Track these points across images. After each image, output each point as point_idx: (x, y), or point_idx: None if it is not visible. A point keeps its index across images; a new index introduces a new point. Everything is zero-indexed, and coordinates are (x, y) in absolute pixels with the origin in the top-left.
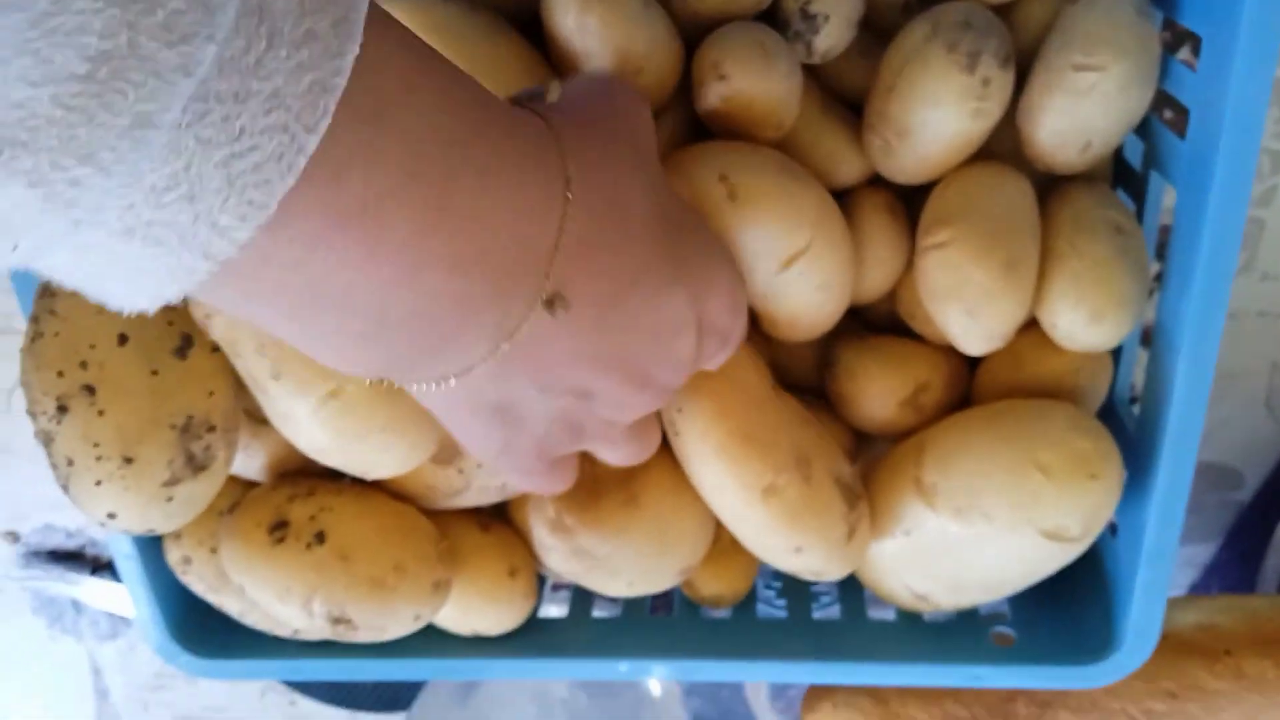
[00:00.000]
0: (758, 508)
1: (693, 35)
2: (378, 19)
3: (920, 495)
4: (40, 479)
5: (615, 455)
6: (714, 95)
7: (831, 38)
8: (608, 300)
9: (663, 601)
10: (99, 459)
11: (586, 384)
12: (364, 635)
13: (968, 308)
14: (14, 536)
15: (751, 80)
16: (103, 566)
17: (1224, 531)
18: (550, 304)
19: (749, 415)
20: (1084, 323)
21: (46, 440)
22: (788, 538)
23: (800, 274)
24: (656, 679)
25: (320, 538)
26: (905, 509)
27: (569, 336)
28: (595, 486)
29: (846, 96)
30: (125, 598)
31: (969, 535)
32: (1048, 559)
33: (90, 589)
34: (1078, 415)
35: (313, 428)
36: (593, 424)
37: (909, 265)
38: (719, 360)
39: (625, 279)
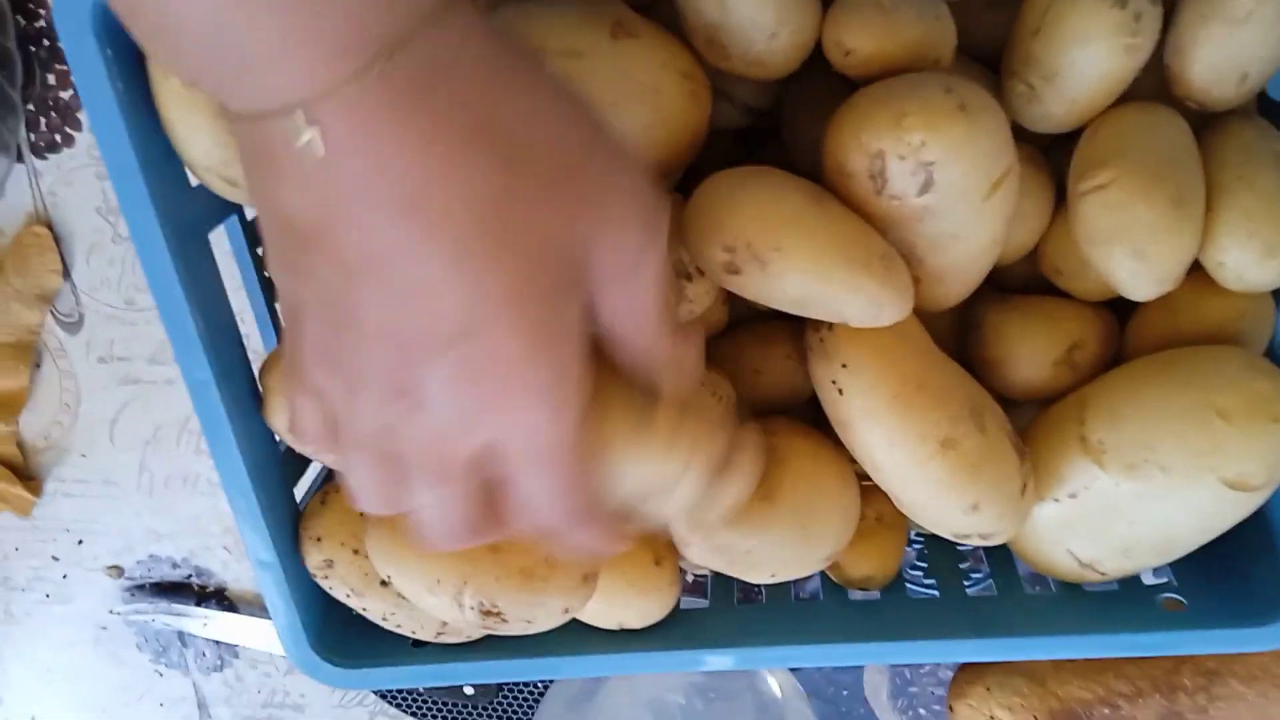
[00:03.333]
0: (935, 463)
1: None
2: None
3: (1087, 453)
4: (145, 510)
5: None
6: (851, 71)
7: None
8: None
9: (807, 586)
10: None
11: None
12: (513, 628)
13: (1136, 249)
14: (118, 570)
15: (878, 43)
16: (208, 596)
17: None
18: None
19: (920, 364)
20: (1256, 259)
21: None
22: (965, 493)
23: (1000, 201)
24: (802, 666)
25: None
26: (1070, 470)
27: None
28: None
29: (978, 53)
30: (232, 626)
31: (1143, 492)
32: (1227, 512)
33: (196, 619)
34: (1252, 358)
35: None
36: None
37: (1052, 220)
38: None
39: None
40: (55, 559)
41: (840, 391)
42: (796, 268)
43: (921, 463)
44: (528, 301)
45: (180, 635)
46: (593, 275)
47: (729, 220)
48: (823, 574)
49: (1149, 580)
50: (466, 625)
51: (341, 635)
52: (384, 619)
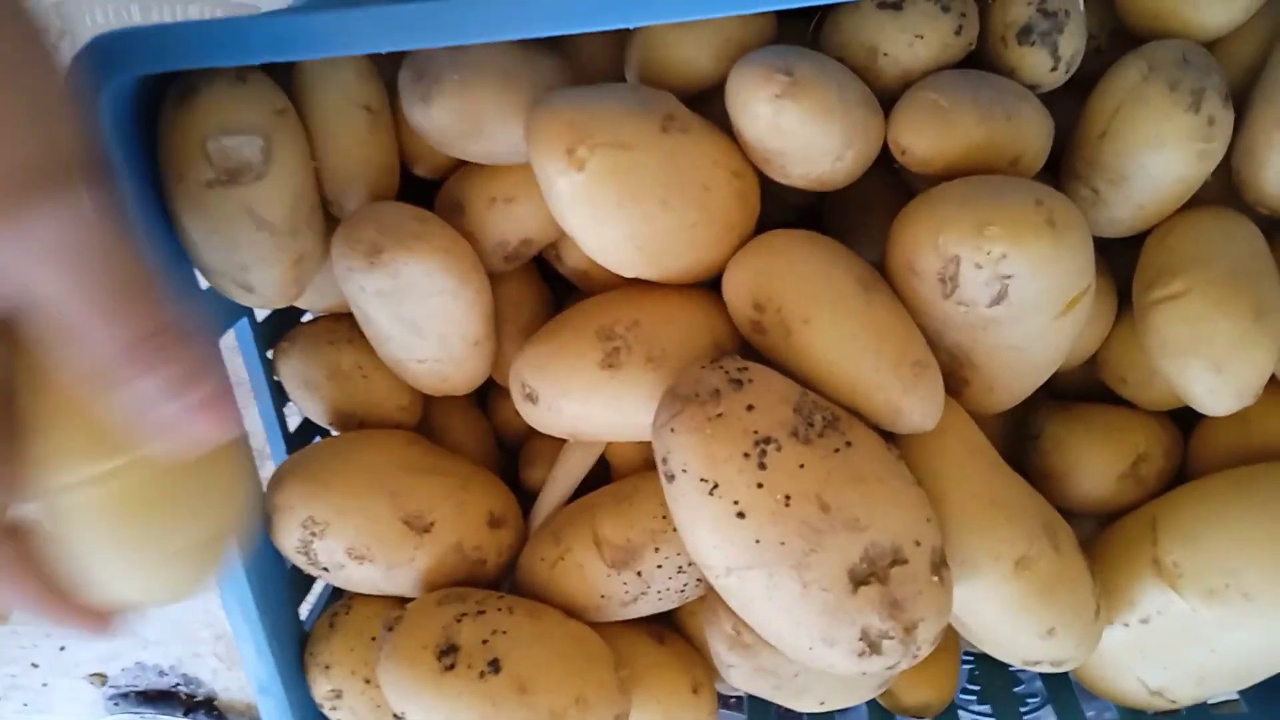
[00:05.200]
0: (1010, 584)
1: (895, 96)
2: None
3: (1160, 576)
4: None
5: None
6: (911, 168)
7: (1075, 37)
8: None
9: (850, 712)
10: None
11: None
12: None
13: (1214, 362)
14: (102, 678)
15: (934, 144)
16: (196, 705)
17: None
18: None
19: (990, 478)
20: None
21: None
22: (1041, 618)
23: (1071, 320)
24: None
25: (494, 666)
26: (1141, 593)
27: None
28: None
29: None
30: None
31: (1222, 619)
32: None
33: None
34: None
35: None
36: None
37: (1115, 325)
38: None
39: None
40: (35, 665)
41: None
42: (821, 347)
43: (996, 584)
44: None
45: None
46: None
47: (767, 278)
48: (871, 700)
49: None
50: None
51: None
52: None
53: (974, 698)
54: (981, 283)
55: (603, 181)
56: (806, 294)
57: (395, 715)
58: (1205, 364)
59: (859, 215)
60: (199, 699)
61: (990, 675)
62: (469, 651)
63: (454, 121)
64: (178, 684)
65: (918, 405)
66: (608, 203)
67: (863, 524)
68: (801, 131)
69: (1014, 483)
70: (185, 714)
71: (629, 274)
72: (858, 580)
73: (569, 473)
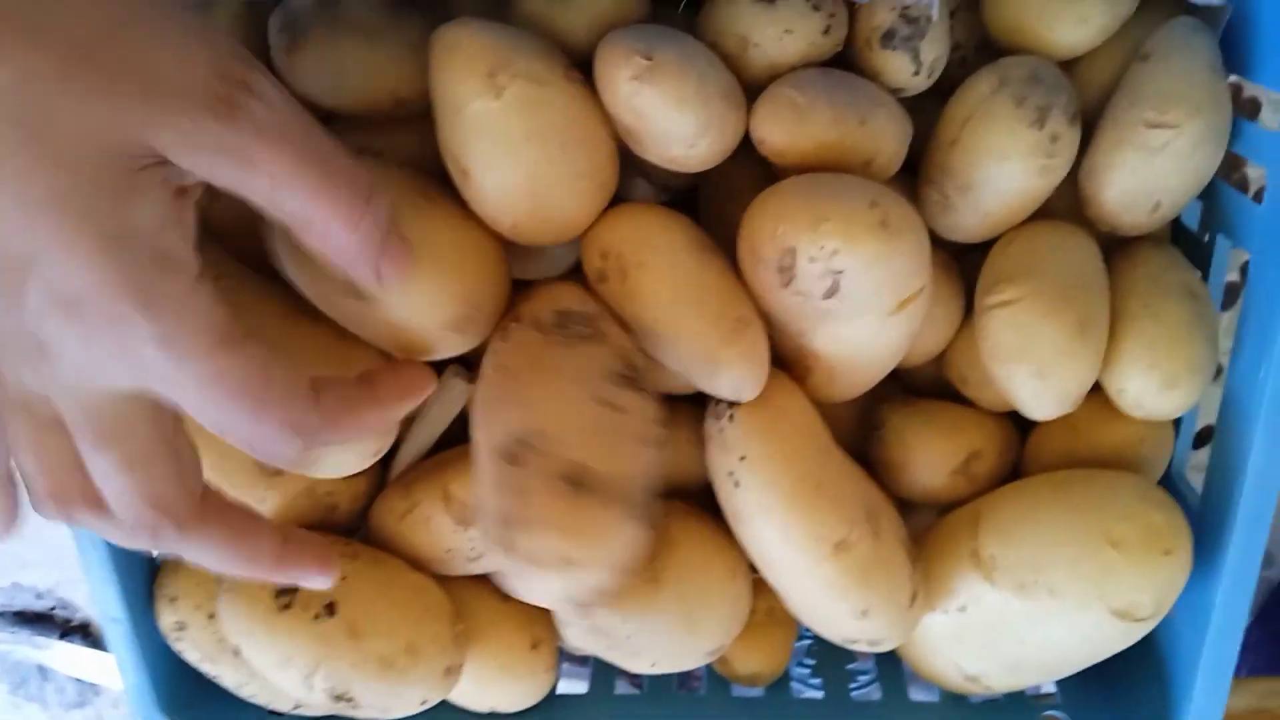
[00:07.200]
0: (827, 565)
1: (764, 88)
2: None
3: (978, 568)
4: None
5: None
6: (769, 159)
7: (937, 44)
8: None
9: (691, 676)
10: None
11: None
12: (366, 714)
13: (1038, 369)
14: None
15: (789, 138)
16: (72, 630)
17: (1255, 610)
18: None
19: (819, 463)
20: (1155, 389)
21: None
22: (856, 599)
23: (904, 319)
24: None
25: (330, 609)
26: (960, 583)
27: None
28: None
29: None
30: (95, 664)
31: (1031, 612)
32: (1114, 639)
33: (58, 654)
34: (1148, 487)
35: None
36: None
37: (961, 327)
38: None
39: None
40: None
41: (737, 484)
42: (651, 289)
43: (813, 564)
44: (84, 209)
45: (40, 669)
46: (173, 153)
47: (612, 231)
48: (708, 665)
49: (1034, 693)
50: (316, 708)
51: (194, 700)
52: (238, 688)
53: (809, 671)
54: (816, 275)
55: (517, 113)
56: (643, 243)
57: (234, 649)
58: (1030, 370)
59: (726, 203)
60: (75, 623)
61: (826, 649)
62: (307, 593)
63: (317, 75)
64: (54, 607)
65: (736, 360)
66: (516, 136)
67: None
68: (656, 115)
69: (843, 469)
70: (60, 637)
71: (508, 222)
72: None
73: (428, 427)
